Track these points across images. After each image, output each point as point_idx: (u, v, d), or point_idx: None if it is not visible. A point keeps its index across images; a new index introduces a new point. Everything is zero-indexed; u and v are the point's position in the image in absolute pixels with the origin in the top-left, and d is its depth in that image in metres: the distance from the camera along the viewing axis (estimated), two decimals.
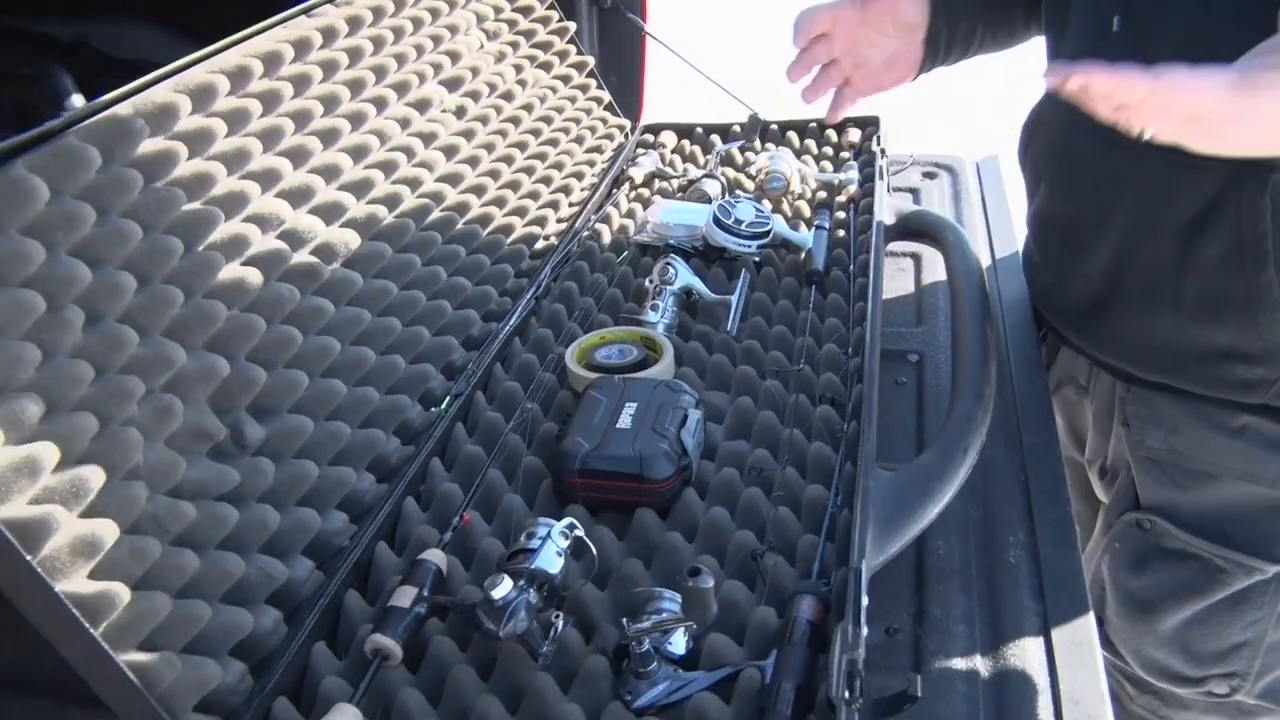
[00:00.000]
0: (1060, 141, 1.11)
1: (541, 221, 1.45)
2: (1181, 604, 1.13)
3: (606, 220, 1.51)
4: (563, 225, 1.48)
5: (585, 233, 1.46)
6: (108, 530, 0.73)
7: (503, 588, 0.76)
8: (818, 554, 0.87)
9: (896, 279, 1.45)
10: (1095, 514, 1.30)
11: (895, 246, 1.44)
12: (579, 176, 1.59)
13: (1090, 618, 0.91)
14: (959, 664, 0.86)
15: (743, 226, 1.34)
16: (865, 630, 0.77)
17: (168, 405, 0.83)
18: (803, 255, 1.34)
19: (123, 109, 0.89)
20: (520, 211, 1.43)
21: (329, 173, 1.12)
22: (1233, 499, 1.08)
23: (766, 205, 1.44)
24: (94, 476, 0.74)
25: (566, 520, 0.85)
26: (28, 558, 0.66)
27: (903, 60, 1.18)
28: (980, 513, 1.02)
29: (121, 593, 0.71)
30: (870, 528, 0.84)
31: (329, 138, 1.14)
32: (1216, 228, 0.96)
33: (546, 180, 1.52)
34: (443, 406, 1.07)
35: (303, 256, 1.03)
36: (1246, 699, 1.16)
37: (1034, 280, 1.30)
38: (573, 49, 1.72)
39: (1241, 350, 1.01)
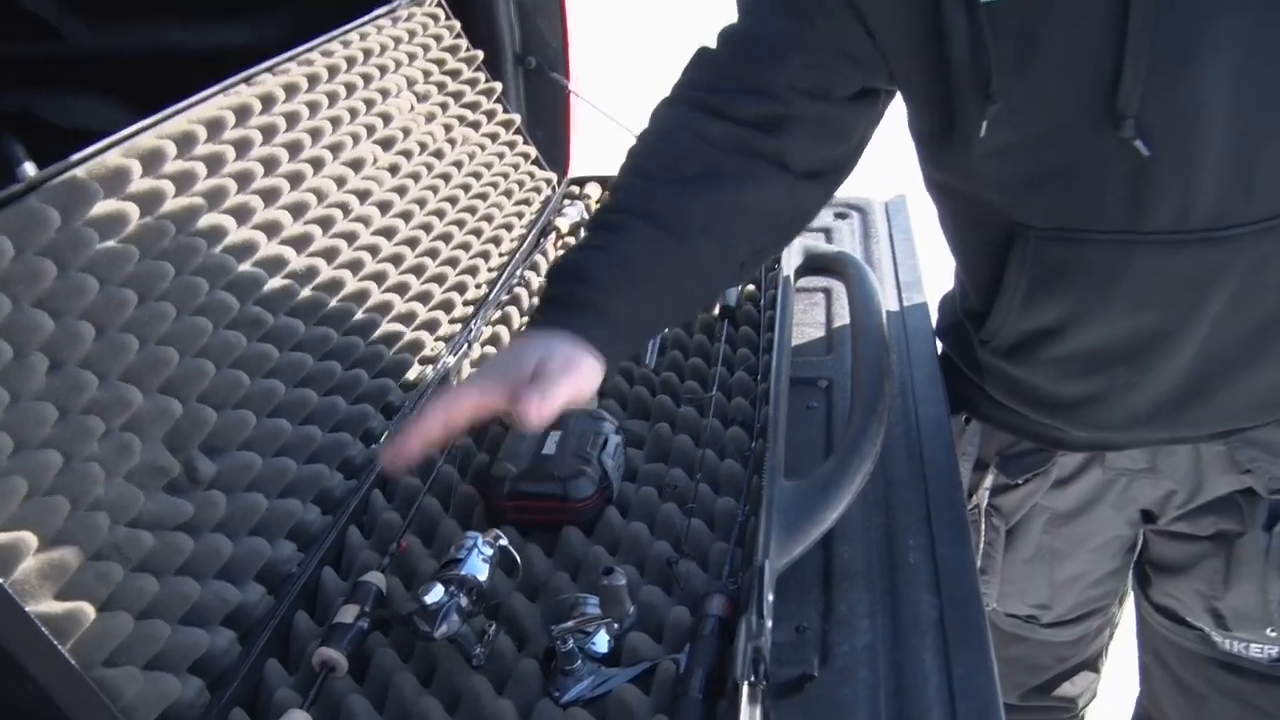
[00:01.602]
0: (1104, 259, 1.01)
1: (473, 271, 1.54)
2: None
3: (535, 268, 1.60)
4: (493, 274, 1.57)
5: (515, 280, 1.55)
6: (73, 556, 0.80)
7: (434, 593, 0.84)
8: (727, 558, 0.96)
9: (809, 312, 1.54)
10: (1124, 577, 1.37)
11: (807, 282, 1.55)
12: (508, 228, 1.69)
13: (980, 605, 1.00)
14: (861, 653, 0.94)
15: None
16: (769, 622, 0.86)
17: (126, 443, 0.90)
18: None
19: (79, 173, 0.97)
20: (453, 262, 1.52)
21: (271, 229, 1.20)
22: None
23: None
24: (60, 507, 0.81)
25: (492, 531, 0.93)
26: (1, 581, 0.72)
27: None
28: (883, 519, 1.11)
29: (87, 613, 0.78)
30: (774, 531, 0.93)
31: (270, 196, 1.22)
32: None
33: (477, 232, 1.61)
34: (381, 440, 1.15)
35: (249, 306, 1.11)
36: None
37: (1044, 403, 1.18)
38: (500, 108, 1.82)
39: None
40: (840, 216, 1.86)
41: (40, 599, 0.76)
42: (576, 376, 0.89)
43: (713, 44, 1.06)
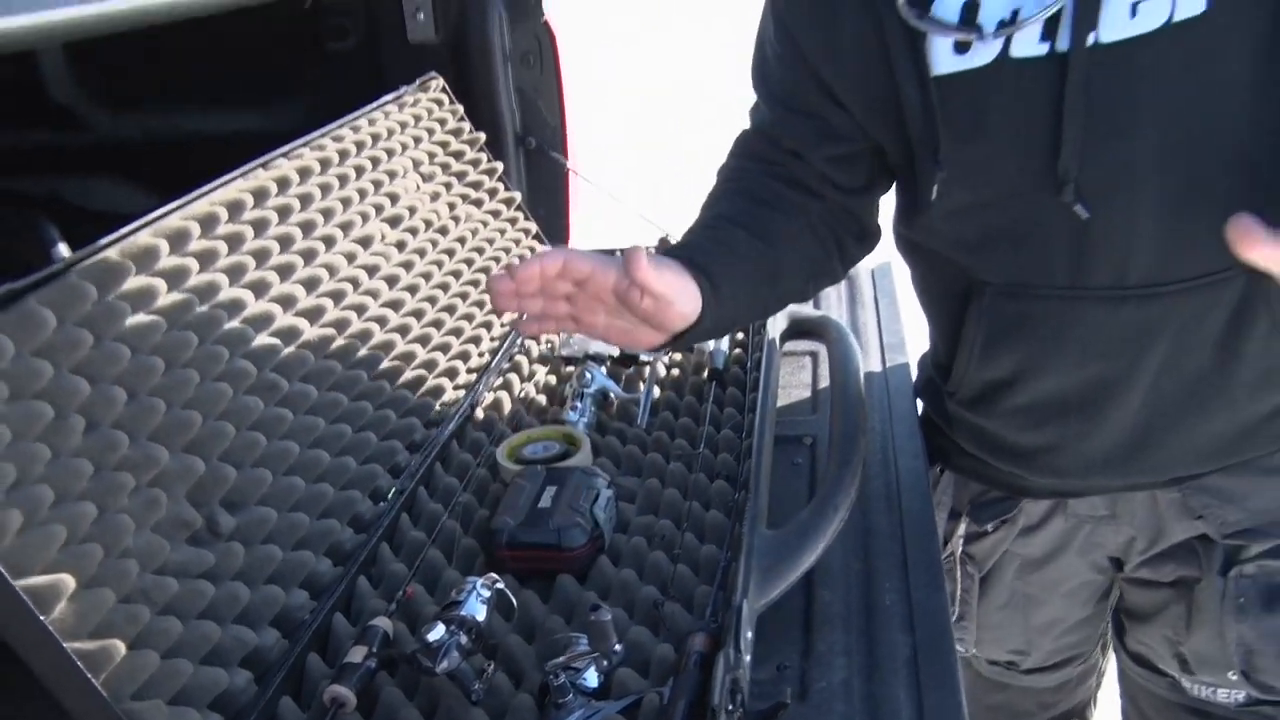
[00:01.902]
0: (1053, 314, 1.10)
1: (476, 340, 1.63)
2: None
3: (537, 339, 1.69)
4: (495, 343, 1.65)
5: (516, 349, 1.64)
6: (106, 598, 0.87)
7: (436, 631, 0.91)
8: (710, 600, 1.03)
9: (796, 375, 1.63)
10: (1100, 624, 1.42)
11: (794, 346, 1.64)
12: None
13: (951, 644, 1.07)
14: (838, 688, 1.00)
15: None
16: (747, 656, 0.93)
17: (154, 498, 0.98)
18: (706, 356, 1.53)
19: (112, 252, 1.06)
20: (457, 332, 1.60)
21: (286, 301, 1.29)
22: None
23: None
24: (94, 554, 0.89)
25: (489, 576, 1.00)
26: (41, 617, 0.80)
27: (637, 337, 1.05)
28: (862, 565, 1.18)
29: (118, 650, 0.85)
30: (752, 575, 1.00)
31: (285, 272, 1.31)
32: (1251, 321, 1.05)
33: (480, 304, 1.70)
34: (389, 497, 1.23)
35: (266, 373, 1.20)
36: None
37: (1007, 451, 1.26)
38: (501, 186, 1.92)
39: None
40: None
41: (76, 636, 0.83)
42: (683, 284, 1.01)
43: (748, 126, 1.23)
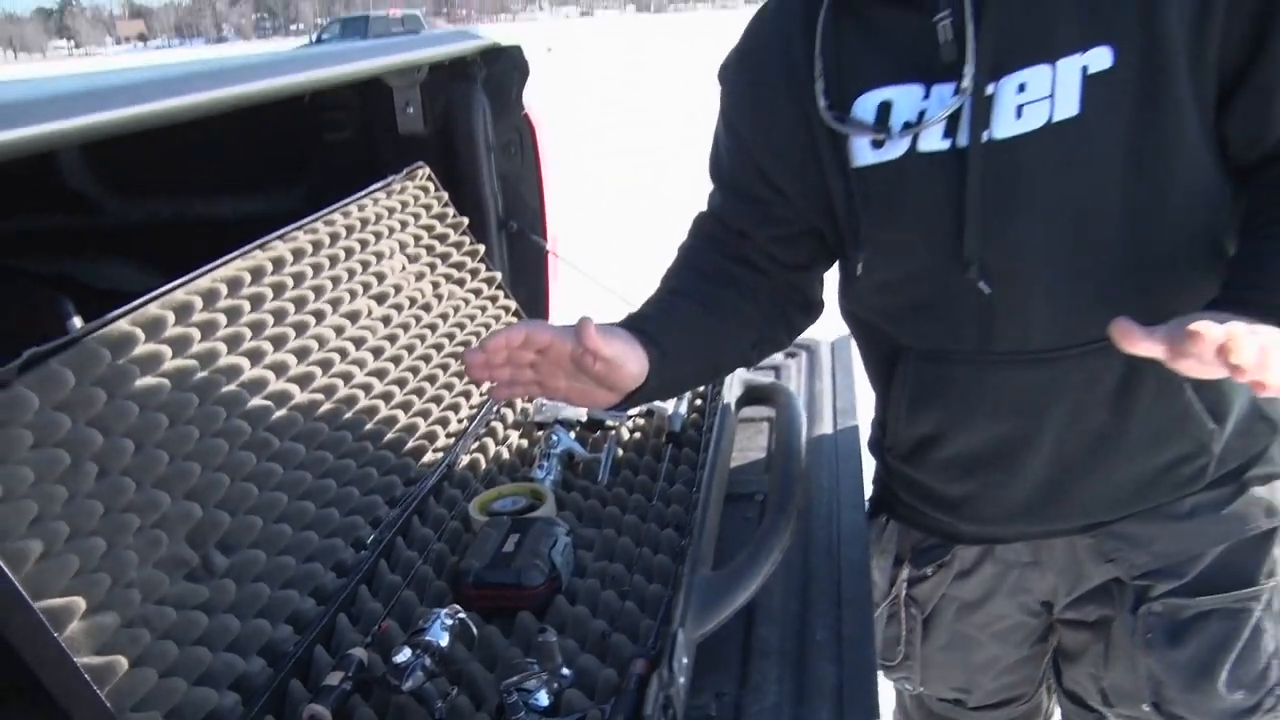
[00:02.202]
0: (965, 376, 1.22)
1: (455, 407, 1.76)
2: (1227, 651, 1.29)
3: (512, 406, 1.82)
4: (473, 410, 1.78)
5: (492, 416, 1.77)
6: (111, 621, 0.99)
7: (403, 654, 1.03)
8: (653, 631, 1.15)
9: (754, 439, 1.75)
10: (1039, 665, 1.51)
11: (751, 412, 1.77)
12: None
13: (873, 675, 1.18)
14: (769, 712, 1.11)
15: None
16: (681, 678, 1.04)
17: (156, 538, 1.11)
18: (665, 420, 1.65)
19: (124, 322, 1.20)
20: (437, 399, 1.73)
21: (279, 368, 1.42)
22: (1212, 557, 1.27)
23: None
24: (103, 582, 1.01)
25: (453, 607, 1.12)
26: (55, 634, 0.92)
27: (594, 398, 1.17)
28: (799, 606, 1.29)
29: (121, 666, 0.97)
30: (690, 609, 1.12)
31: (279, 342, 1.45)
32: (1140, 383, 1.16)
33: (460, 374, 1.83)
34: (369, 545, 1.35)
35: (259, 432, 1.32)
36: None
37: (937, 501, 1.37)
38: (483, 266, 2.06)
39: (1183, 455, 1.21)
40: (790, 355, 2.10)
41: (84, 653, 0.95)
42: (630, 349, 1.14)
43: (704, 209, 1.38)
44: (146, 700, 0.98)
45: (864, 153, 1.17)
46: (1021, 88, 1.07)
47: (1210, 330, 0.89)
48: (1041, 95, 1.07)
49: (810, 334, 2.18)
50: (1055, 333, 1.15)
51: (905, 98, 1.13)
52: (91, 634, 0.96)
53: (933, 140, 1.12)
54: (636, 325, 1.20)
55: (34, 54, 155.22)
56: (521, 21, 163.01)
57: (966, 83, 1.07)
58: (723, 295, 1.29)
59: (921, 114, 1.12)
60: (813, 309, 1.40)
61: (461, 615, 1.11)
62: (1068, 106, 1.06)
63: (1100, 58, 1.05)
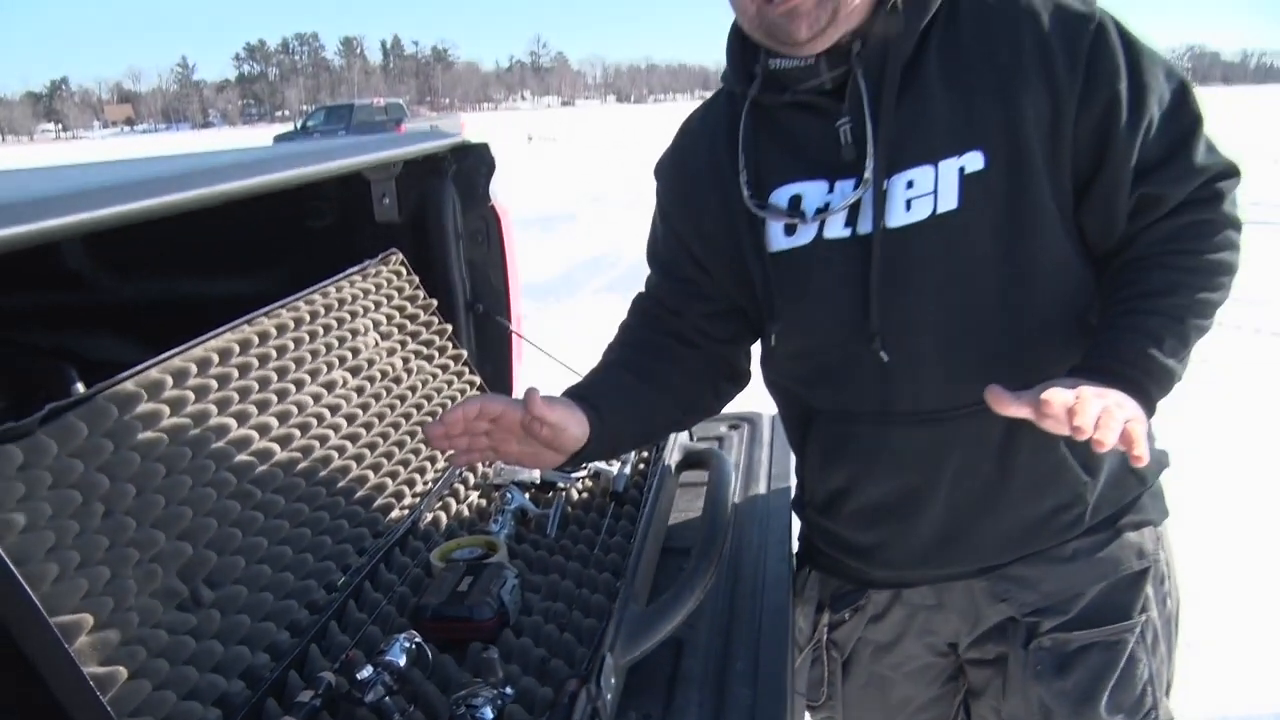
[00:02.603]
0: (869, 434, 1.38)
1: (421, 470, 1.93)
2: (1107, 679, 1.43)
3: (473, 470, 1.99)
4: (438, 474, 1.95)
5: (455, 478, 1.94)
6: (114, 638, 1.15)
7: (365, 670, 1.18)
8: (587, 658, 1.31)
9: (693, 502, 1.92)
10: (951, 703, 1.64)
11: (691, 476, 1.95)
12: None
13: (785, 698, 1.34)
14: None
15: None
16: (608, 695, 1.20)
17: (153, 570, 1.27)
18: (610, 481, 1.83)
19: (129, 383, 1.37)
20: (404, 463, 1.90)
21: (262, 429, 1.59)
22: (1092, 595, 1.42)
23: None
24: (106, 605, 1.16)
25: (410, 632, 1.28)
26: (66, 645, 1.07)
27: (543, 459, 1.34)
28: (723, 641, 1.46)
29: (120, 677, 1.12)
30: (619, 639, 1.29)
31: (263, 406, 1.62)
32: (1019, 440, 1.32)
33: (426, 442, 2.00)
34: (339, 586, 1.51)
35: (243, 484, 1.49)
36: None
37: (850, 549, 1.53)
38: (451, 344, 2.25)
39: (1062, 504, 1.37)
40: (733, 427, 2.29)
41: (90, 663, 1.11)
42: (572, 414, 1.32)
43: (642, 290, 1.57)
44: (141, 709, 1.13)
45: (778, 239, 1.37)
46: (910, 184, 1.28)
47: (1058, 397, 1.08)
48: (926, 191, 1.27)
49: (753, 408, 2.39)
50: (944, 395, 1.34)
51: (813, 191, 1.34)
52: (96, 647, 1.12)
53: (836, 229, 1.32)
54: (579, 394, 1.39)
55: (21, 137, 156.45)
56: (503, 111, 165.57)
57: (868, 174, 1.27)
58: (656, 367, 1.47)
59: (827, 204, 1.32)
60: (740, 378, 1.58)
61: (418, 640, 1.27)
62: (949, 201, 1.26)
63: (974, 160, 1.25)
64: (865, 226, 1.30)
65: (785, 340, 1.42)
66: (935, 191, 1.27)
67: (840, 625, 1.63)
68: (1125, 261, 1.31)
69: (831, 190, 1.32)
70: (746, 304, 1.47)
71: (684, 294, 1.50)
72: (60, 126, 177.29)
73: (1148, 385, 1.20)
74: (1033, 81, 1.24)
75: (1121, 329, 1.26)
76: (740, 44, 1.39)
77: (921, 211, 1.27)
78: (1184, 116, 1.28)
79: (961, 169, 1.26)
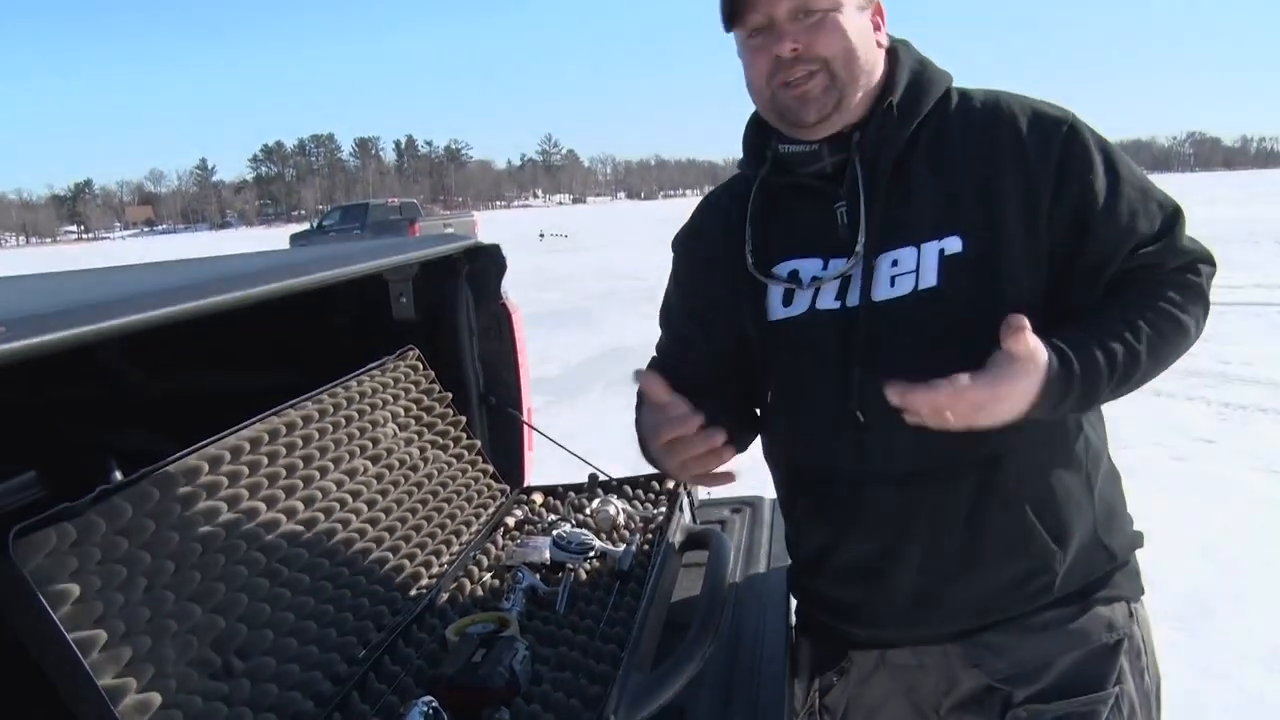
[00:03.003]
0: (847, 494, 1.48)
1: (438, 553, 2.03)
2: None
3: (486, 553, 2.09)
4: (453, 556, 2.05)
5: (470, 561, 2.04)
6: (154, 700, 1.25)
7: None
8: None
9: (698, 580, 2.01)
10: None
11: (693, 557, 2.04)
12: (467, 524, 2.19)
13: None
14: None
15: (572, 545, 1.93)
16: None
17: (189, 641, 1.37)
18: (616, 561, 1.93)
19: (170, 468, 1.49)
20: (421, 545, 2.01)
21: (289, 512, 1.71)
22: (1065, 665, 1.47)
23: (589, 534, 2.05)
24: (148, 671, 1.27)
25: (428, 697, 1.37)
26: (112, 708, 1.18)
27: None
28: (723, 708, 1.55)
29: None
30: (622, 704, 1.38)
31: (290, 490, 1.74)
32: (988, 501, 1.41)
33: (442, 526, 2.11)
34: (360, 659, 1.60)
35: (272, 563, 1.60)
36: None
37: (834, 609, 1.61)
38: (465, 434, 2.37)
39: (1030, 571, 1.43)
40: (735, 511, 2.39)
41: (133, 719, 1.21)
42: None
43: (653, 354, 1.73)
44: None
45: (777, 309, 1.51)
46: (894, 263, 1.42)
47: (927, 403, 1.25)
48: (909, 269, 1.41)
49: (754, 492, 2.49)
50: (915, 459, 1.43)
51: (809, 266, 1.49)
52: (139, 710, 1.22)
53: (827, 301, 1.46)
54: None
55: (45, 239, 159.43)
56: (516, 208, 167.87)
57: (859, 248, 1.42)
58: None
59: (818, 276, 1.47)
60: (753, 423, 1.67)
61: (435, 704, 1.37)
62: (929, 278, 1.40)
63: (953, 244, 1.39)
64: (853, 299, 1.44)
65: (779, 399, 1.56)
66: (917, 270, 1.40)
67: (830, 689, 1.70)
68: (1114, 287, 1.43)
69: (826, 267, 1.47)
70: (744, 365, 1.59)
71: (684, 354, 1.65)
72: (83, 228, 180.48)
73: (1072, 377, 1.30)
74: (1009, 177, 1.39)
75: (1086, 321, 1.37)
76: (755, 131, 1.57)
77: (904, 287, 1.41)
78: (1165, 206, 1.43)
79: (942, 250, 1.40)
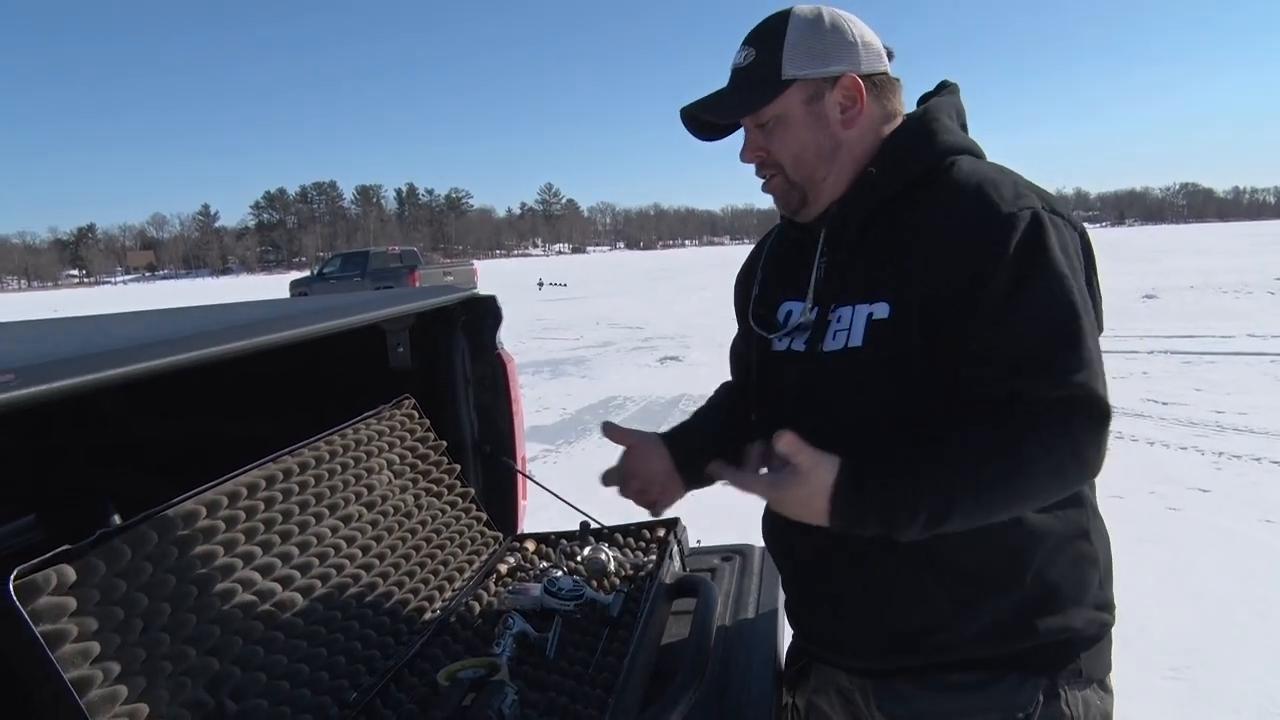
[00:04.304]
0: (785, 526, 1.51)
1: (431, 599, 2.05)
2: None
3: (478, 599, 2.12)
4: (446, 601, 2.08)
5: (462, 607, 2.06)
6: None
7: None
8: None
9: (687, 627, 2.04)
10: None
11: (683, 604, 2.07)
12: (460, 570, 2.21)
13: None
14: None
15: (563, 592, 1.96)
16: None
17: (183, 683, 1.40)
18: (605, 608, 1.95)
19: (168, 513, 1.53)
20: (414, 591, 2.03)
21: (285, 556, 1.74)
22: None
23: (579, 581, 2.07)
24: (143, 712, 1.29)
25: None
26: None
27: (674, 486, 1.74)
28: None
29: None
30: None
31: (286, 535, 1.77)
32: (887, 560, 1.44)
33: (436, 572, 2.14)
34: (352, 702, 1.62)
35: (266, 606, 1.63)
36: None
37: (791, 613, 1.72)
38: (459, 483, 2.40)
39: (930, 626, 1.45)
40: (725, 559, 2.42)
41: None
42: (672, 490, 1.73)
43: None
44: None
45: (776, 343, 1.62)
46: (839, 319, 1.50)
47: (755, 486, 1.37)
48: (844, 328, 1.48)
49: (744, 540, 2.52)
50: None
51: (798, 309, 1.58)
52: None
53: (799, 344, 1.56)
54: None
55: (46, 282, 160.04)
56: (516, 257, 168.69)
57: (808, 301, 1.54)
58: (721, 404, 1.87)
59: (787, 319, 1.59)
60: None
61: None
62: (856, 339, 1.46)
63: (881, 309, 1.45)
64: (806, 347, 1.54)
65: (758, 423, 1.67)
66: (849, 329, 1.47)
67: (796, 686, 1.76)
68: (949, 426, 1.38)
69: (811, 311, 1.55)
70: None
71: (735, 365, 1.88)
72: (84, 273, 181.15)
73: (862, 498, 1.32)
74: (938, 254, 1.39)
75: (924, 448, 1.35)
76: None
77: (839, 344, 1.48)
78: (1072, 336, 1.33)
79: (870, 314, 1.46)
